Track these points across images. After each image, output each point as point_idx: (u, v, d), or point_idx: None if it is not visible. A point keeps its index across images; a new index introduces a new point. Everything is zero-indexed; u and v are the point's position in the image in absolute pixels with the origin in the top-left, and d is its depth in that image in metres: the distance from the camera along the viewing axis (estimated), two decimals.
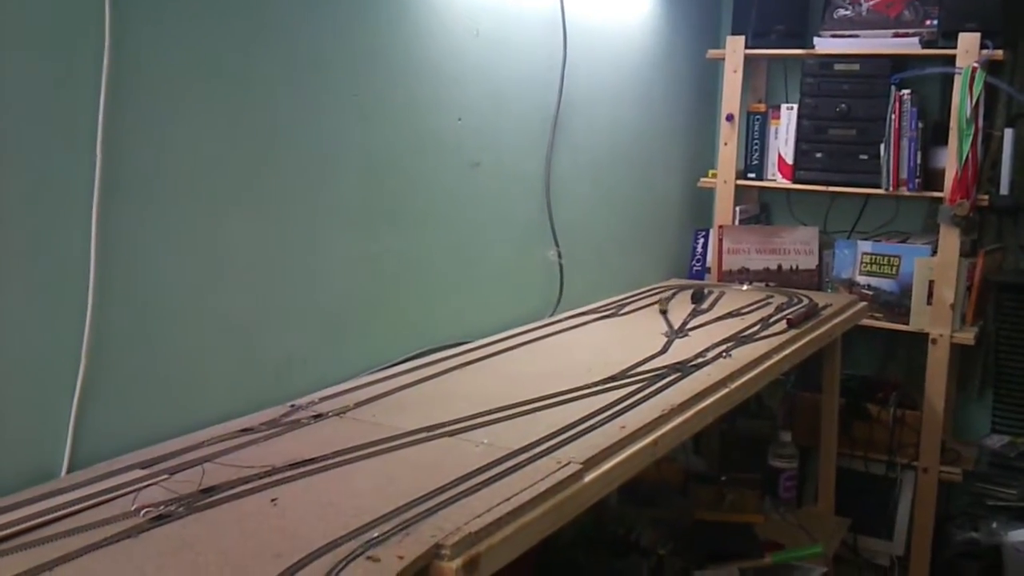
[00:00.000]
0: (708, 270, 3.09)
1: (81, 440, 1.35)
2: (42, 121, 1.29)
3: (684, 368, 1.89)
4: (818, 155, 2.93)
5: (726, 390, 1.81)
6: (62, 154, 1.32)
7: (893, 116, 2.78)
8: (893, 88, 2.80)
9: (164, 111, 1.45)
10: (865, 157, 2.86)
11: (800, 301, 2.57)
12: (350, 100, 1.80)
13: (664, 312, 2.41)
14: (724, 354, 2.00)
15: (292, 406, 1.61)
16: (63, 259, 1.33)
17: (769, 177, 3.04)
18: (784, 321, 2.29)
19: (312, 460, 1.36)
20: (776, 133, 3.01)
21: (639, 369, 1.87)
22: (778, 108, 3.02)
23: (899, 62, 2.83)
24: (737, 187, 3.05)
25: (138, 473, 1.31)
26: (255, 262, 1.64)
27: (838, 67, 2.89)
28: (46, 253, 1.31)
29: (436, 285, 2.07)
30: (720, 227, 3.01)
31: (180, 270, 1.50)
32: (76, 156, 1.33)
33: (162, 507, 1.19)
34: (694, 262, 3.15)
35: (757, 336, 2.17)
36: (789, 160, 2.98)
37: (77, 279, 1.34)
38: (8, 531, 1.12)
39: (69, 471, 1.33)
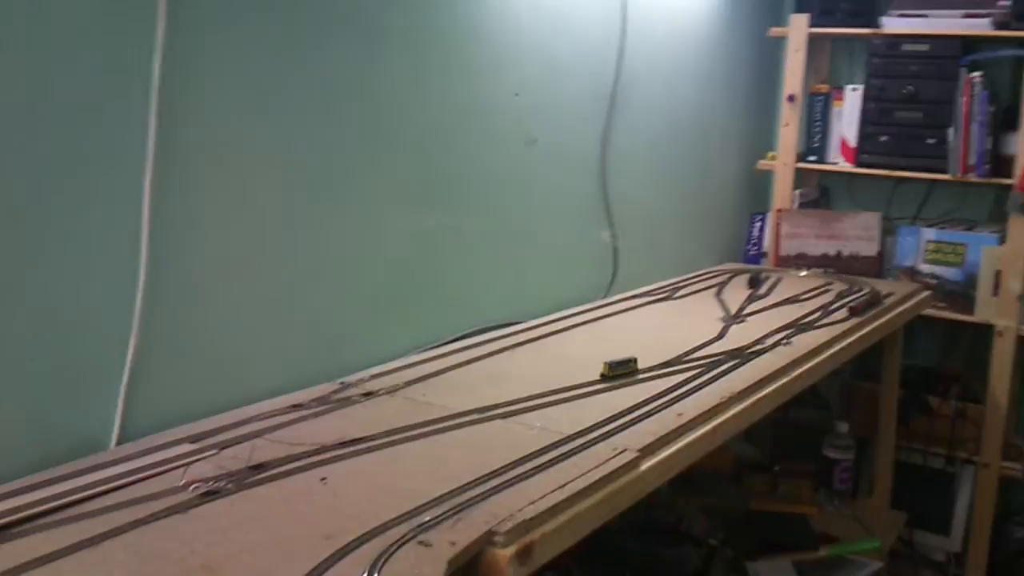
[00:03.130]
0: (764, 255, 3.02)
1: (131, 412, 1.34)
2: (94, 89, 1.27)
3: (742, 355, 1.83)
4: (883, 138, 2.84)
5: (787, 379, 1.76)
6: (115, 124, 1.29)
7: (962, 99, 2.68)
8: (963, 70, 2.69)
9: (218, 81, 1.43)
10: (932, 141, 2.76)
11: (861, 289, 2.50)
12: (407, 74, 1.76)
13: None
14: (784, 341, 1.94)
15: (342, 383, 1.58)
16: (116, 231, 1.31)
17: (831, 160, 2.95)
18: (846, 309, 2.22)
19: (362, 439, 1.34)
20: (839, 115, 2.92)
21: (696, 355, 1.82)
22: (842, 89, 2.93)
23: (969, 43, 2.73)
24: (797, 170, 2.97)
25: (187, 447, 1.29)
26: (308, 236, 1.61)
27: (906, 47, 2.79)
28: (99, 225, 1.29)
29: (488, 263, 2.03)
30: (778, 211, 2.94)
31: (233, 243, 1.48)
32: (129, 125, 1.31)
33: (211, 483, 1.17)
34: (750, 246, 3.08)
35: (817, 324, 2.11)
36: (852, 143, 2.89)
37: (129, 251, 1.33)
38: (57, 503, 1.11)
39: (119, 443, 1.32)
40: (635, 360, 1.68)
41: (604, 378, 1.64)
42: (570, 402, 1.54)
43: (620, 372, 1.65)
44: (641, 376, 1.67)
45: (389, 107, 1.74)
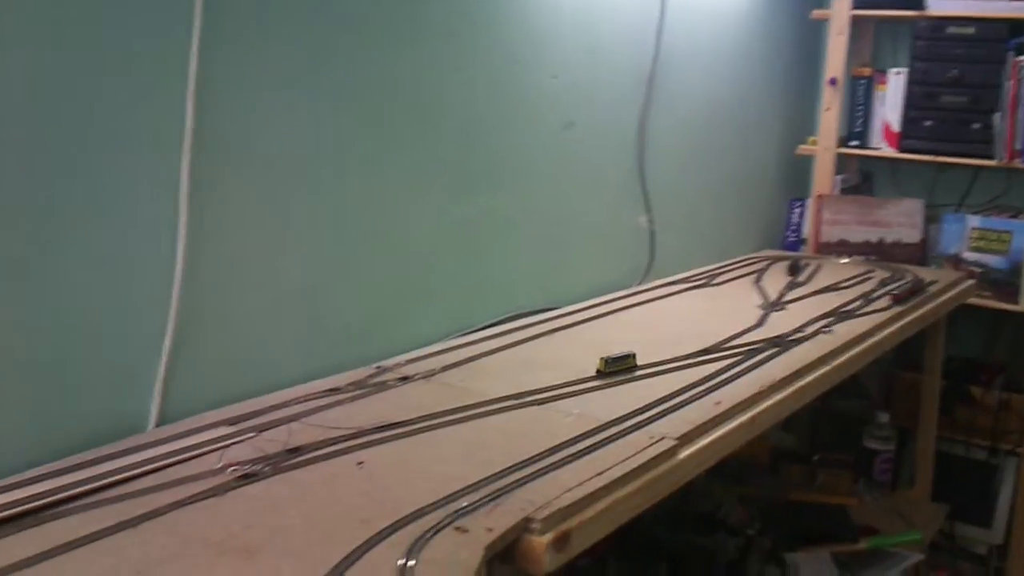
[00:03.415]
0: (804, 242, 2.98)
1: (169, 395, 1.34)
2: (132, 74, 1.27)
3: (782, 343, 1.81)
4: (927, 123, 2.78)
5: (827, 368, 1.73)
6: (152, 109, 1.29)
7: (1009, 83, 2.62)
8: (1010, 53, 2.63)
9: (255, 66, 1.42)
10: (977, 126, 2.70)
11: (903, 276, 2.46)
12: (443, 57, 1.75)
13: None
14: (824, 329, 1.91)
15: (378, 367, 1.58)
16: (155, 214, 1.32)
17: (873, 145, 2.90)
18: (888, 297, 2.19)
19: (399, 423, 1.33)
20: (882, 99, 2.87)
21: (734, 342, 1.80)
22: (885, 73, 2.88)
23: (1017, 26, 2.65)
24: (838, 155, 2.92)
25: (225, 430, 1.29)
26: (344, 221, 1.61)
27: (951, 30, 2.73)
28: (138, 208, 1.29)
29: (524, 248, 2.02)
30: (819, 197, 2.89)
31: (269, 227, 1.48)
32: (166, 110, 1.31)
33: (249, 465, 1.17)
34: (789, 233, 3.04)
35: (859, 312, 2.08)
36: (895, 128, 2.84)
37: (168, 235, 1.33)
38: (97, 484, 1.11)
39: (157, 425, 1.33)
40: (633, 356, 1.62)
41: (600, 374, 1.57)
42: (606, 389, 1.53)
43: (617, 368, 1.59)
44: (678, 364, 1.65)
45: (425, 90, 1.72)
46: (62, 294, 1.22)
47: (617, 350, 1.60)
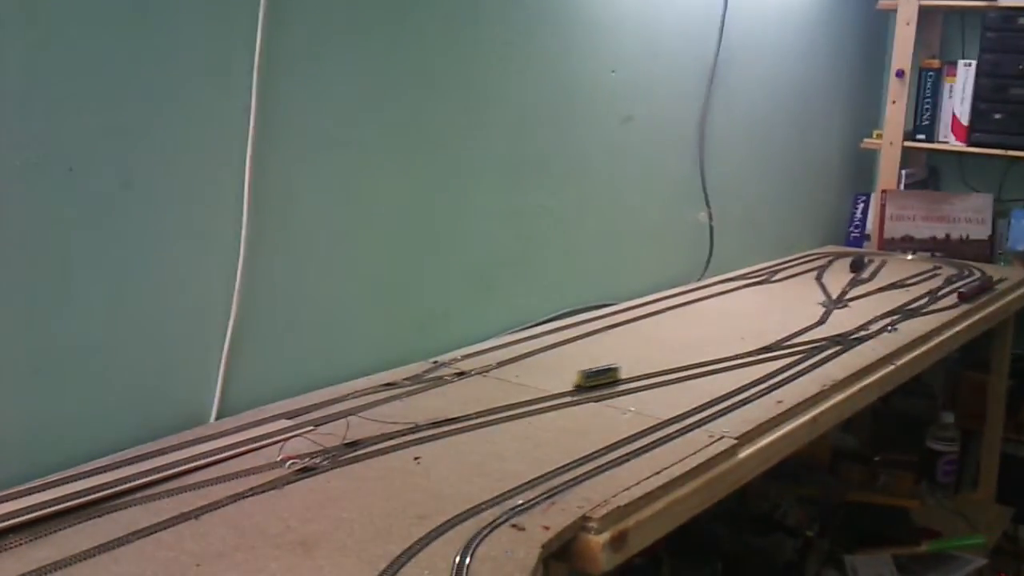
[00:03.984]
0: (868, 237, 2.92)
1: (230, 388, 1.36)
2: (196, 65, 1.28)
3: (845, 341, 1.77)
4: (997, 116, 2.70)
5: (892, 367, 1.69)
6: (217, 100, 1.31)
7: None
8: None
9: (317, 58, 1.43)
10: None
11: (971, 274, 2.40)
12: (503, 49, 1.74)
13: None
14: (889, 328, 1.87)
15: (435, 362, 1.58)
16: (217, 209, 1.33)
17: (941, 139, 2.83)
18: (955, 295, 2.13)
19: (455, 419, 1.33)
20: (950, 91, 2.80)
21: (795, 340, 1.77)
22: (954, 64, 2.80)
23: None
24: (904, 149, 2.85)
25: (284, 423, 1.30)
26: (402, 214, 1.61)
27: (1022, 21, 2.65)
28: (202, 202, 1.31)
29: (582, 243, 2.01)
30: (883, 192, 2.83)
31: (329, 221, 1.49)
32: (231, 102, 1.32)
33: (307, 459, 1.18)
34: (852, 228, 2.98)
35: (925, 310, 2.03)
36: (964, 121, 2.77)
37: (230, 229, 1.34)
38: (158, 476, 1.13)
39: (218, 418, 1.34)
40: (617, 369, 1.50)
41: (579, 388, 1.46)
42: (665, 387, 1.51)
43: (596, 382, 1.47)
44: (738, 361, 1.63)
45: (485, 83, 1.72)
46: (128, 287, 1.24)
47: (676, 347, 1.57)
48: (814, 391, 1.50)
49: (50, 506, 1.04)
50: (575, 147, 1.95)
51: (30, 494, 1.07)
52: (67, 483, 1.10)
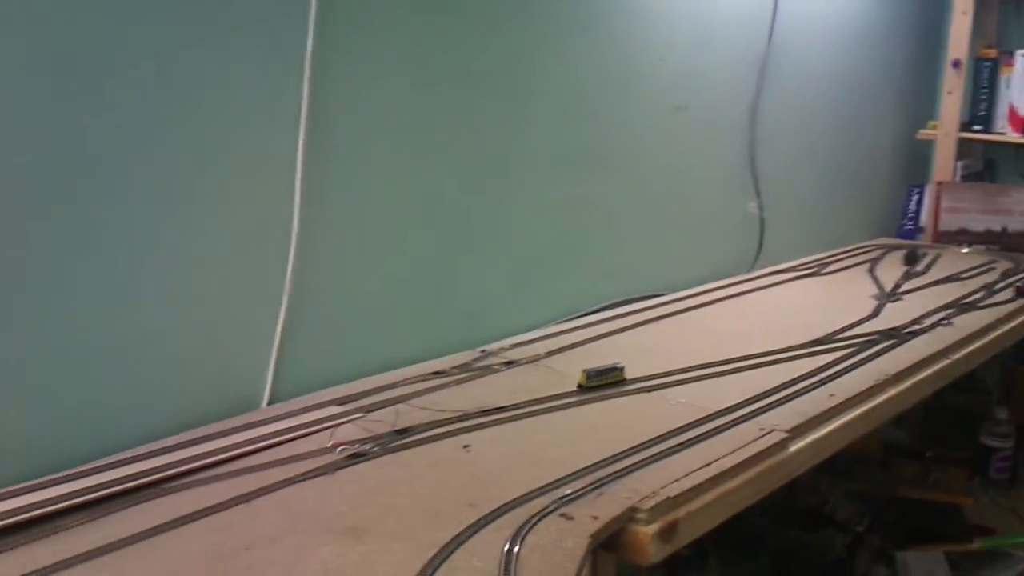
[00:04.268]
0: (921, 230, 2.87)
1: (281, 373, 1.37)
2: (249, 51, 1.29)
3: (898, 335, 1.74)
4: None
5: (947, 361, 1.66)
6: (269, 87, 1.32)
7: None
8: None
9: (366, 48, 1.43)
10: None
11: None
12: (549, 36, 1.73)
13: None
14: (944, 321, 1.83)
15: (483, 351, 1.58)
16: (271, 197, 1.34)
17: (997, 130, 2.77)
18: (1011, 289, 2.09)
19: (504, 408, 1.33)
20: (1008, 82, 2.73)
21: (848, 333, 1.74)
22: (1011, 54, 2.74)
23: None
24: (960, 140, 2.79)
25: (334, 409, 1.31)
26: (452, 204, 1.61)
27: None
28: (254, 189, 1.32)
29: (630, 234, 1.99)
30: (938, 183, 2.77)
31: (379, 211, 1.49)
32: (283, 89, 1.33)
33: (357, 445, 1.19)
34: (906, 221, 2.92)
35: (981, 304, 1.99)
36: (1022, 112, 2.70)
37: (283, 217, 1.35)
38: (211, 459, 1.14)
39: (269, 403, 1.36)
40: (621, 368, 1.45)
41: (581, 388, 1.41)
42: (715, 378, 1.50)
43: (600, 382, 1.42)
44: (789, 354, 1.61)
45: (531, 71, 1.71)
46: (188, 274, 1.26)
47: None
48: (867, 385, 1.48)
49: (106, 488, 1.06)
50: (625, 137, 1.93)
51: (86, 476, 1.09)
52: (122, 466, 1.12)
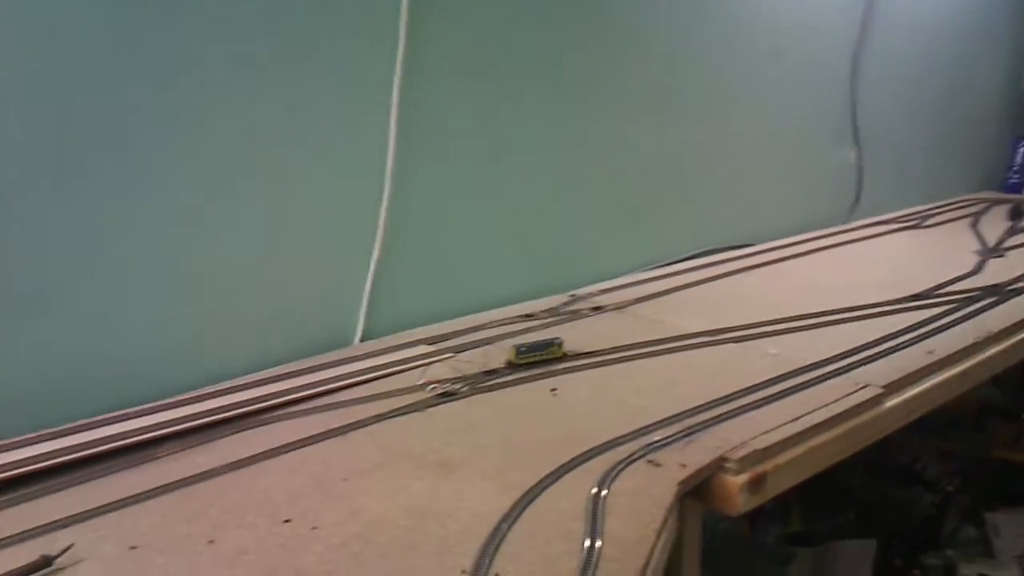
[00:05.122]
0: None
1: (373, 312, 1.39)
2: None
3: (1001, 292, 1.68)
4: None
5: None
6: (367, 31, 1.32)
7: None
8: None
9: None
10: None
11: None
12: None
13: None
14: None
15: (572, 296, 1.58)
16: (366, 138, 1.35)
17: None
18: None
19: (592, 353, 1.33)
20: None
21: (948, 289, 1.69)
22: None
23: None
24: None
25: (425, 349, 1.33)
26: (545, 148, 1.60)
27: None
28: (352, 131, 1.33)
29: (725, 181, 1.96)
30: None
31: (472, 152, 1.49)
32: (380, 28, 1.33)
33: (448, 384, 1.21)
34: (1012, 174, 2.81)
35: None
36: None
37: (377, 158, 1.36)
38: (307, 392, 1.17)
39: (362, 340, 1.38)
40: (558, 344, 1.33)
41: (511, 365, 1.29)
42: (808, 331, 1.47)
43: (530, 359, 1.30)
44: (886, 309, 1.57)
45: (634, 18, 1.68)
46: (286, 210, 1.28)
47: (820, 291, 1.51)
48: (967, 343, 1.43)
49: (209, 415, 1.10)
50: (721, 81, 1.89)
51: (191, 403, 1.13)
52: (223, 395, 1.16)
